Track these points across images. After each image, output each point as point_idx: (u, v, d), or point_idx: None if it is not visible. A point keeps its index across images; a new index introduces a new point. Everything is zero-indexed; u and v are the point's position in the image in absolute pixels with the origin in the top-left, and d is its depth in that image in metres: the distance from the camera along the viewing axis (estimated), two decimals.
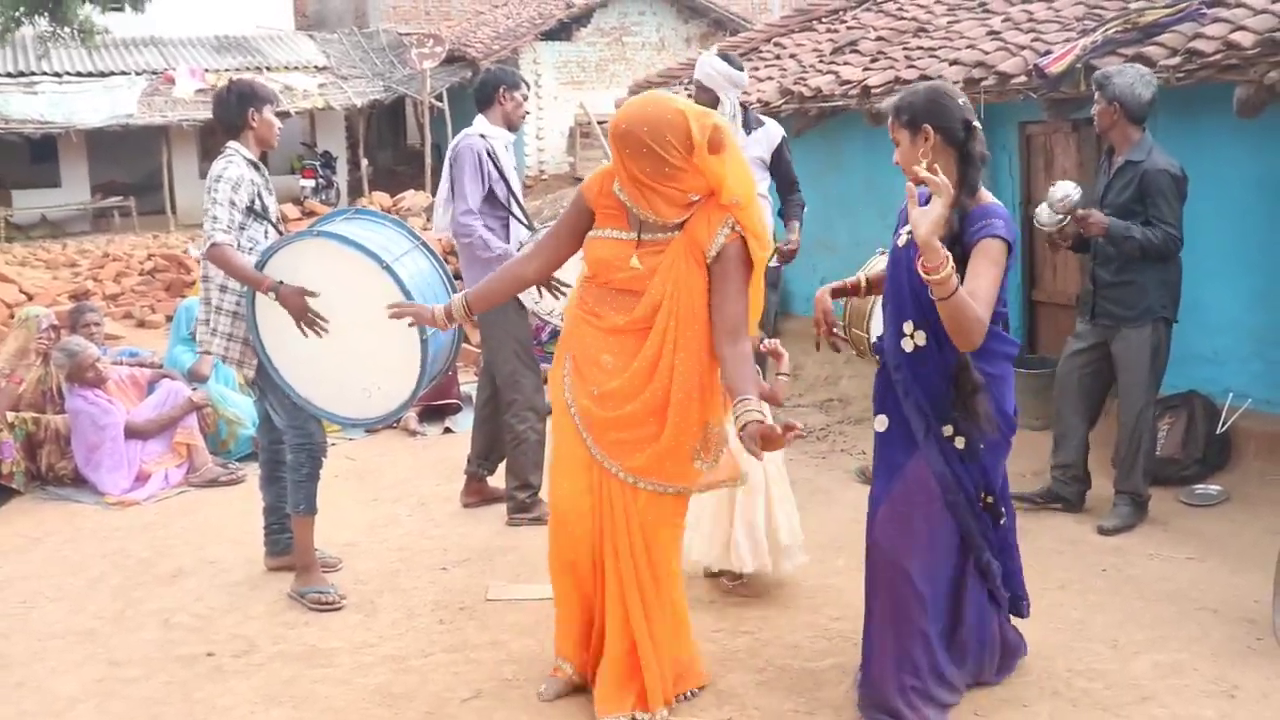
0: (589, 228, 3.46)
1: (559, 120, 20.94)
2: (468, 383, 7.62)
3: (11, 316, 9.63)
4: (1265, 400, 5.60)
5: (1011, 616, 3.67)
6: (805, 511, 4.45)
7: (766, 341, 4.08)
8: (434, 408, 7.37)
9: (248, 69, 21.14)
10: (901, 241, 3.36)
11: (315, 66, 22.62)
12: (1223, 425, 5.54)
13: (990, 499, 3.43)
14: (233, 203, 4.36)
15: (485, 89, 5.40)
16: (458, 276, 5.21)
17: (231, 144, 4.53)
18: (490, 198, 5.23)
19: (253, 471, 5.71)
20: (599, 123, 16.39)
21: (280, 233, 4.61)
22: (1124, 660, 3.78)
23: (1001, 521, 3.48)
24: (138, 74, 21.38)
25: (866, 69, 7.69)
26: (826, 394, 7.34)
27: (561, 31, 21.55)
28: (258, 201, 4.50)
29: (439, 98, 20.32)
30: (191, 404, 6.50)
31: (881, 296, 3.63)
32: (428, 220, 13.50)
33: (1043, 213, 4.95)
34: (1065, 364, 5.16)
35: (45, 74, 20.78)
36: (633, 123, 3.21)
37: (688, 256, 3.30)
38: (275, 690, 3.83)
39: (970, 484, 3.36)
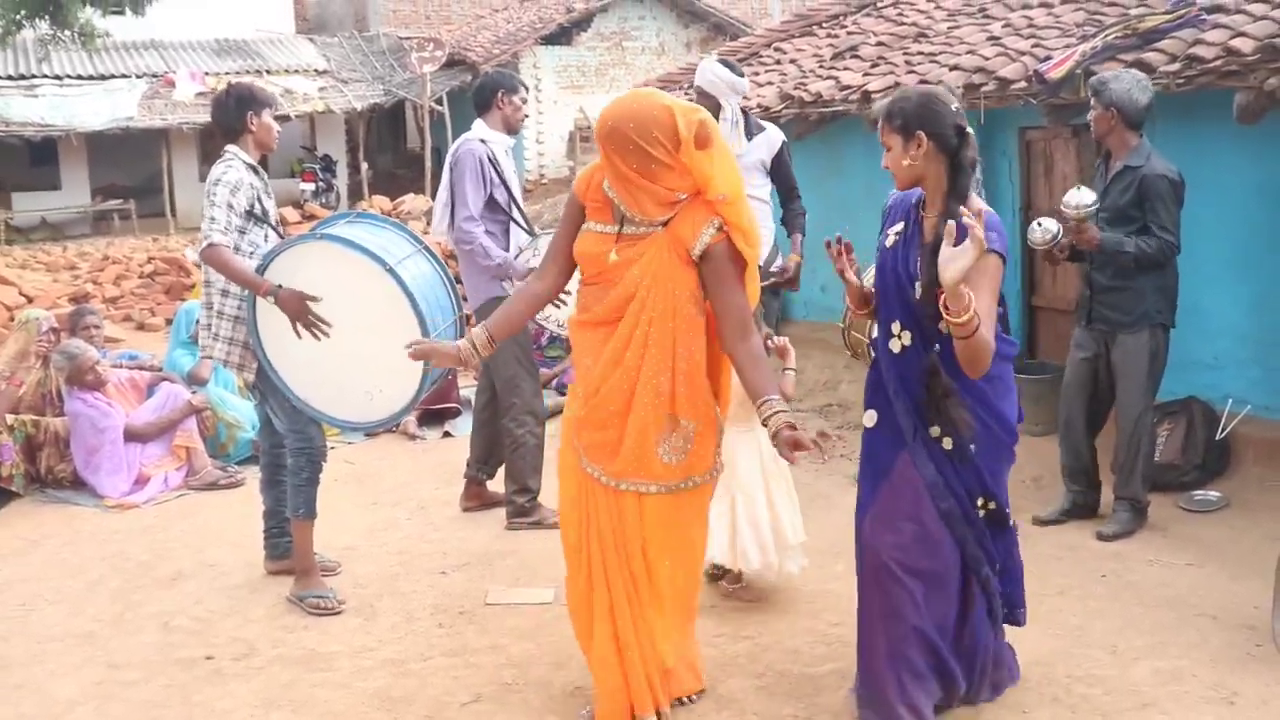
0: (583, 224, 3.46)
1: (559, 124, 20.95)
2: (467, 387, 7.62)
3: (11, 319, 9.63)
4: (1265, 406, 5.61)
5: (1008, 626, 3.62)
6: (804, 516, 4.44)
7: (775, 339, 4.10)
8: (433, 412, 7.38)
9: (248, 72, 21.15)
10: (889, 242, 3.34)
11: (315, 70, 22.62)
12: (1222, 431, 5.54)
13: (991, 505, 3.37)
14: (231, 205, 4.37)
15: (484, 93, 5.40)
16: (458, 280, 5.21)
17: (230, 148, 4.53)
18: (490, 203, 5.23)
19: (252, 475, 5.72)
20: None
21: (280, 236, 4.62)
22: (1123, 666, 3.77)
23: (1010, 526, 3.44)
24: (138, 77, 21.39)
25: (867, 74, 7.70)
26: (826, 399, 7.34)
27: (561, 36, 21.56)
28: (257, 205, 4.50)
29: (439, 102, 20.32)
30: (191, 407, 6.50)
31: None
32: (427, 224, 13.49)
33: (1034, 232, 4.87)
34: (1070, 373, 5.15)
35: (46, 77, 20.79)
36: (619, 119, 3.21)
37: (668, 252, 3.28)
38: (274, 694, 3.83)
39: (962, 488, 3.30)
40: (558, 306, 4.74)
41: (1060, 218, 4.84)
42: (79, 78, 21.05)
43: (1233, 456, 5.60)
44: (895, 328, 3.30)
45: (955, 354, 3.13)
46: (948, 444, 3.27)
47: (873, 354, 3.50)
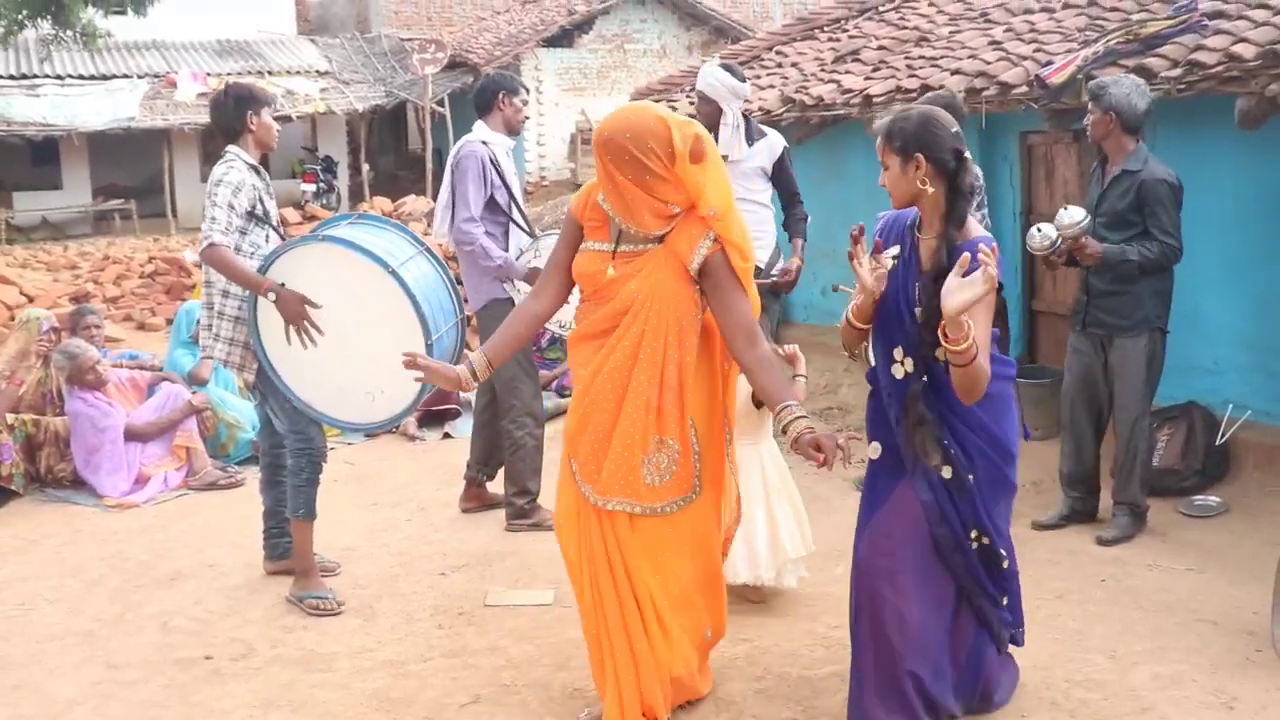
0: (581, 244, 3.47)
1: (560, 127, 20.95)
2: None
3: (12, 318, 9.63)
4: (1265, 412, 5.61)
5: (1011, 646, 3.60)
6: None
7: (785, 347, 4.10)
8: (433, 413, 7.38)
9: (249, 73, 21.18)
10: (888, 265, 3.26)
11: (317, 71, 22.64)
12: (1222, 436, 5.54)
13: (985, 540, 3.31)
14: (232, 206, 4.36)
15: (485, 95, 5.41)
16: (459, 282, 5.21)
17: (231, 148, 4.53)
18: (491, 204, 5.23)
19: (252, 475, 5.72)
20: None
21: (282, 237, 4.62)
22: (1123, 671, 3.77)
23: (1004, 566, 3.37)
24: (139, 77, 21.42)
25: (868, 78, 7.71)
26: (826, 402, 7.34)
27: (563, 38, 21.57)
28: (259, 206, 4.51)
29: (440, 103, 20.33)
30: (191, 407, 6.50)
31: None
32: (429, 225, 13.50)
33: (1034, 237, 4.87)
34: (1071, 378, 5.15)
35: (47, 76, 20.81)
36: (616, 131, 3.22)
37: (666, 268, 3.28)
38: (273, 694, 3.83)
39: (957, 518, 3.26)
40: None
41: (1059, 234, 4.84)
42: (81, 78, 21.07)
43: (1233, 462, 5.60)
44: (897, 354, 3.26)
45: (943, 383, 3.13)
46: (946, 473, 3.24)
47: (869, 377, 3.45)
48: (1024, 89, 6.11)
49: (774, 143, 5.72)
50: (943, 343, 2.98)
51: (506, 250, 5.26)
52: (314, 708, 3.73)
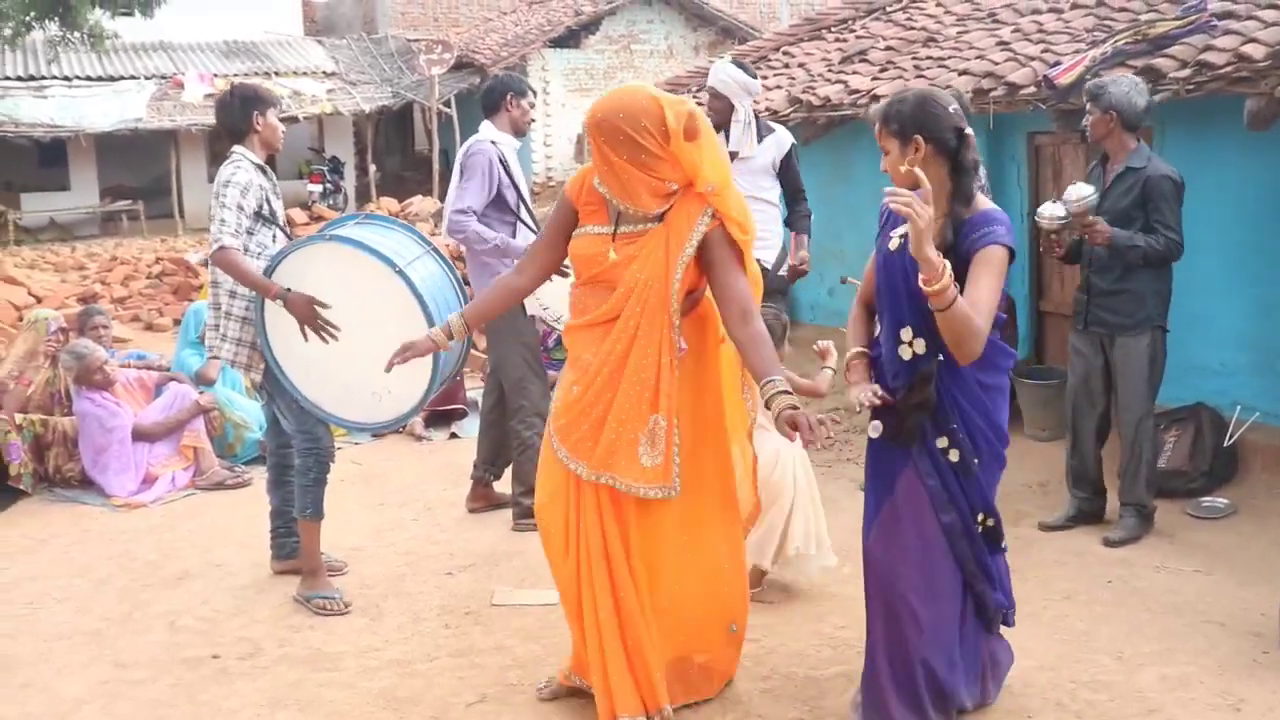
0: (574, 228, 3.47)
1: (567, 127, 20.96)
2: (474, 388, 7.63)
3: (20, 319, 9.66)
4: (1273, 413, 5.59)
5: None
6: None
7: (820, 343, 4.11)
8: (440, 413, 7.38)
9: (256, 74, 21.22)
10: (893, 245, 3.26)
11: (324, 72, 22.67)
12: (1230, 438, 5.53)
13: (990, 521, 3.34)
14: (240, 207, 4.37)
15: (492, 95, 5.42)
16: (465, 282, 5.22)
17: (237, 148, 4.54)
18: (500, 203, 5.23)
19: (259, 475, 5.73)
20: None
21: (289, 237, 4.62)
22: (1129, 672, 3.77)
23: (1003, 545, 3.41)
24: (147, 79, 21.46)
25: (875, 78, 7.70)
26: (833, 402, 7.31)
27: (570, 39, 21.59)
28: (266, 206, 4.51)
29: (447, 104, 20.36)
30: (198, 407, 6.51)
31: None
32: (435, 226, 13.53)
33: (1046, 209, 4.90)
34: (1074, 379, 5.15)
35: (55, 78, 20.86)
36: (609, 111, 3.25)
37: (666, 247, 3.30)
38: (280, 693, 3.84)
39: (965, 503, 3.27)
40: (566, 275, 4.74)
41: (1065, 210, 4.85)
42: (88, 79, 21.12)
43: (1240, 463, 5.59)
44: (906, 334, 3.22)
45: (965, 372, 3.12)
46: (954, 456, 3.23)
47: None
48: (1032, 89, 6.11)
49: (782, 139, 5.73)
50: (922, 289, 2.94)
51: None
52: (321, 707, 3.73)
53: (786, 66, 9.55)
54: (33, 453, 6.26)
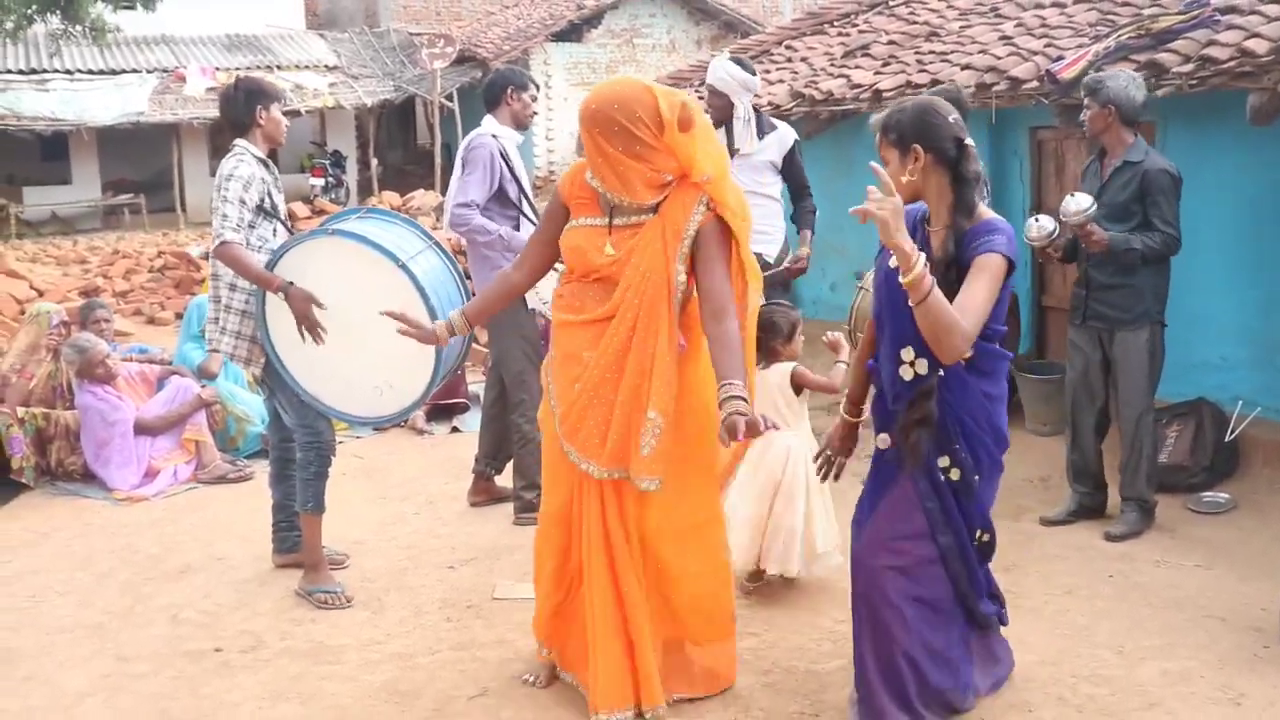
0: (566, 223, 3.49)
1: (569, 121, 20.93)
2: (475, 382, 7.63)
3: (22, 312, 9.67)
4: (1274, 408, 5.59)
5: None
6: None
7: (829, 335, 4.11)
8: (442, 407, 7.38)
9: (258, 68, 21.20)
10: (894, 262, 3.15)
11: (326, 66, 22.66)
12: (1231, 433, 5.53)
13: (986, 537, 3.32)
14: (243, 201, 4.37)
15: (493, 89, 5.41)
16: (467, 276, 5.22)
17: (239, 142, 4.54)
18: (502, 197, 5.23)
19: (261, 468, 5.73)
20: None
21: (290, 231, 4.62)
22: (1130, 667, 3.77)
23: (990, 557, 3.40)
24: (149, 72, 21.46)
25: (878, 73, 7.70)
26: (834, 398, 7.33)
27: (572, 33, 21.58)
28: (267, 200, 4.51)
29: (449, 98, 20.34)
30: (200, 401, 6.52)
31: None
32: (437, 220, 13.53)
33: (1031, 228, 4.90)
34: (1073, 374, 5.15)
35: (57, 71, 20.85)
36: (603, 102, 3.25)
37: (660, 237, 3.30)
38: (282, 686, 3.84)
39: (962, 523, 3.24)
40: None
41: (1062, 225, 4.84)
42: (90, 72, 21.12)
43: (1242, 458, 5.59)
44: (907, 354, 3.17)
45: (963, 382, 3.11)
46: (955, 475, 3.21)
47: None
48: (1034, 84, 6.10)
49: (784, 136, 5.72)
50: (900, 280, 2.90)
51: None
52: (322, 700, 3.74)
53: (789, 61, 9.54)
54: (35, 446, 6.27)
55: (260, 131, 4.56)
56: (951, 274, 3.02)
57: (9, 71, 20.65)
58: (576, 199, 3.44)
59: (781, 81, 8.72)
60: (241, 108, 4.54)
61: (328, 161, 21.48)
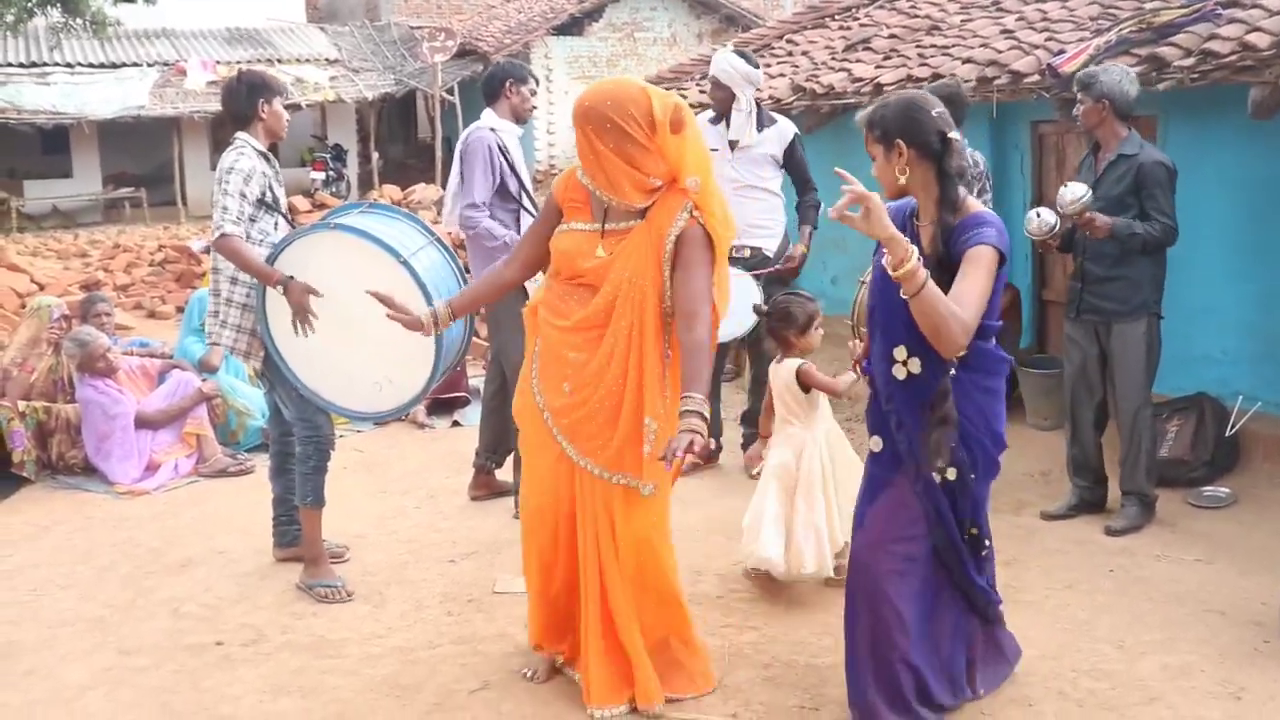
0: (558, 225, 3.50)
1: (569, 115, 20.90)
2: (476, 376, 7.63)
3: (23, 306, 9.67)
4: (1274, 403, 5.59)
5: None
6: None
7: (854, 343, 4.08)
8: (442, 401, 7.38)
9: (259, 61, 21.18)
10: (887, 260, 3.15)
11: (326, 59, 22.65)
12: (1232, 427, 5.53)
13: (974, 530, 3.32)
14: (243, 194, 4.36)
15: (492, 83, 5.41)
16: (467, 271, 5.22)
17: (241, 135, 4.54)
18: (502, 191, 5.23)
19: (262, 462, 5.73)
20: None
21: (291, 225, 4.62)
22: (1131, 661, 3.77)
23: (983, 553, 3.38)
24: (149, 65, 21.47)
25: (879, 67, 7.69)
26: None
27: (573, 26, 21.55)
28: (268, 193, 4.51)
29: (450, 91, 20.33)
30: (201, 395, 6.52)
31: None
32: (438, 214, 13.50)
33: (1031, 222, 4.90)
34: (1071, 368, 5.15)
35: (57, 65, 20.86)
36: (597, 100, 3.28)
37: (647, 242, 3.32)
38: (283, 680, 3.85)
39: (953, 520, 3.25)
40: None
41: (1062, 217, 4.84)
42: (91, 66, 21.12)
43: (1242, 453, 5.59)
44: (900, 353, 3.16)
45: (960, 382, 3.09)
46: (951, 475, 3.19)
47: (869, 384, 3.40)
48: (1036, 78, 6.10)
49: (784, 130, 5.72)
50: (890, 275, 2.89)
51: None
52: (324, 693, 3.75)
53: (790, 55, 9.53)
54: (36, 440, 6.27)
55: (262, 125, 4.56)
56: (943, 268, 3.01)
57: (9, 65, 20.65)
58: (569, 201, 3.45)
59: (782, 75, 8.71)
60: (243, 101, 4.54)
61: (328, 155, 21.47)
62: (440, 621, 4.27)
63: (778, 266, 5.67)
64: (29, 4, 17.99)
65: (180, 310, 10.75)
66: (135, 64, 21.44)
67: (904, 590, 3.25)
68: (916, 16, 8.84)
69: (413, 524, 5.42)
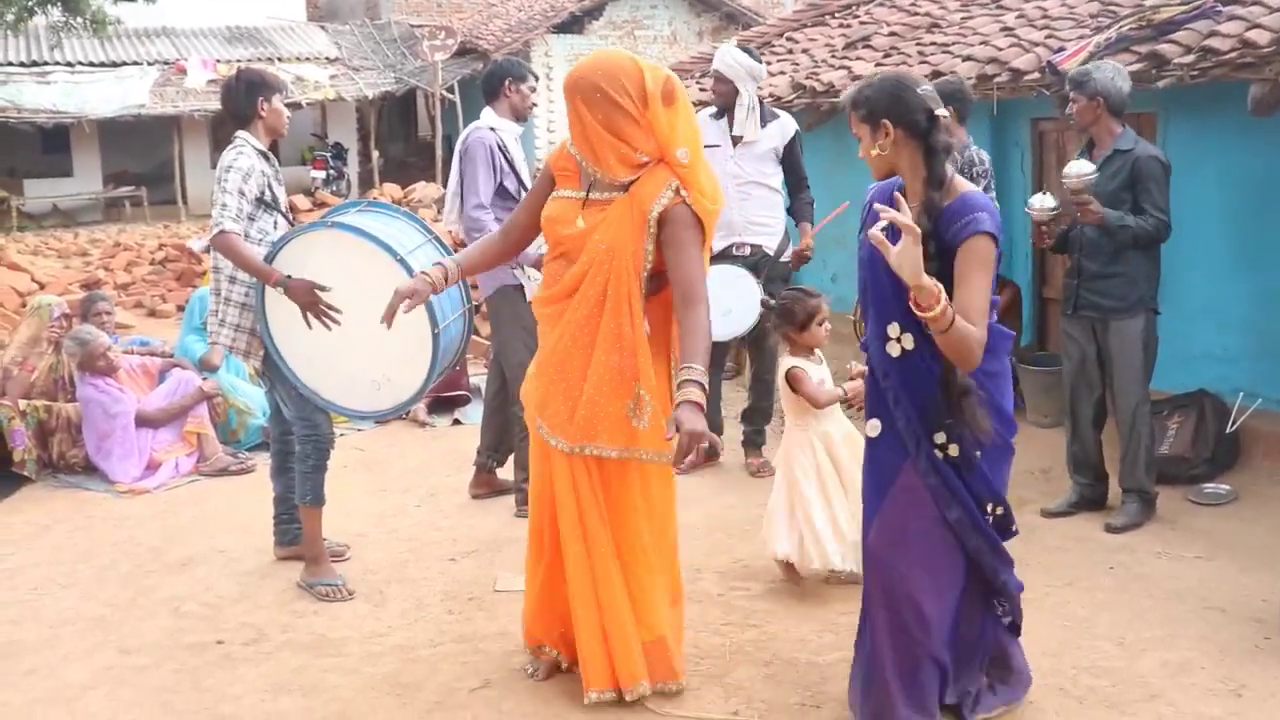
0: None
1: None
2: (477, 374, 7.64)
3: (24, 305, 9.67)
4: (1275, 400, 5.59)
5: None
6: None
7: (853, 365, 4.05)
8: (443, 399, 7.39)
9: (259, 60, 21.20)
10: (876, 232, 3.07)
11: (327, 58, 22.66)
12: (1232, 424, 5.53)
13: (999, 510, 3.25)
14: (242, 192, 4.36)
15: (491, 81, 5.41)
16: None
17: (241, 134, 4.54)
18: (501, 191, 5.23)
19: (263, 461, 5.74)
20: None
21: (290, 223, 4.62)
22: (1131, 658, 3.77)
23: (1013, 530, 3.34)
24: (150, 64, 21.48)
25: (879, 64, 7.68)
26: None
27: (573, 24, 21.54)
28: (268, 192, 4.51)
29: (450, 90, 20.33)
30: (202, 393, 6.52)
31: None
32: (438, 212, 13.50)
33: (1037, 200, 4.95)
34: (1069, 365, 5.15)
35: (58, 64, 20.86)
36: (588, 70, 3.29)
37: (628, 215, 3.31)
38: (284, 678, 3.85)
39: (970, 496, 3.18)
40: None
41: (1065, 187, 4.86)
42: (91, 65, 21.13)
43: (1243, 450, 5.59)
44: (893, 330, 3.12)
45: (960, 370, 3.05)
46: (953, 451, 3.14)
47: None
48: (1036, 75, 6.09)
49: (786, 125, 5.73)
50: (916, 314, 2.88)
51: None
52: (324, 692, 3.75)
53: (790, 52, 9.52)
54: (36, 439, 6.28)
55: (262, 123, 4.56)
56: (933, 250, 2.96)
57: (10, 64, 20.66)
58: (561, 169, 3.48)
59: (783, 73, 8.71)
60: (243, 99, 4.54)
61: (329, 154, 21.48)
62: (441, 620, 4.28)
63: (786, 259, 5.70)
64: (29, 3, 17.98)
65: (181, 309, 10.76)
66: (135, 63, 21.45)
67: (923, 587, 3.19)
68: (917, 14, 8.84)
69: (413, 522, 5.43)
